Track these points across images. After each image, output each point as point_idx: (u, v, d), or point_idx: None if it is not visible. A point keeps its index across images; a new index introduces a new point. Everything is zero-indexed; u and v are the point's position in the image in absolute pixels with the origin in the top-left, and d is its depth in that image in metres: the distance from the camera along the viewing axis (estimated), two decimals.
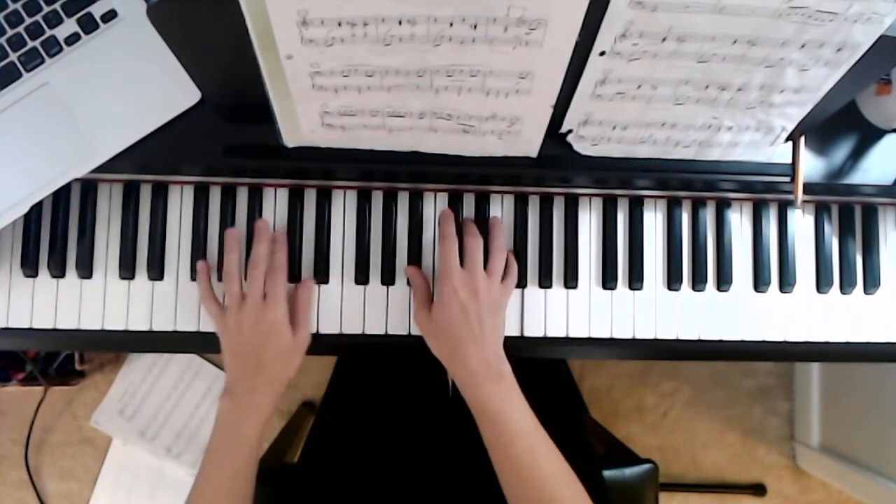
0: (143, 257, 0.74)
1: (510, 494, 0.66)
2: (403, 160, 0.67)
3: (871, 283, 0.79)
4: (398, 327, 0.75)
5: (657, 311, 0.77)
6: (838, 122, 0.70)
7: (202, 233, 0.74)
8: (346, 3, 0.49)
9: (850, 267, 0.79)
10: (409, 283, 0.75)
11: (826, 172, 0.73)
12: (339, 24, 0.51)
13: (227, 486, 0.68)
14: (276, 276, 0.70)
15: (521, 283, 0.76)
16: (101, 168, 0.67)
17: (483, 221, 0.76)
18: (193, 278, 0.74)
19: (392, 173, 0.73)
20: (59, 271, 0.73)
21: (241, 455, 0.68)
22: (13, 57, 0.66)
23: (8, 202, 0.66)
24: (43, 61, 0.67)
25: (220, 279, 0.73)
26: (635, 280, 0.77)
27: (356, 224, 0.76)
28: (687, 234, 0.79)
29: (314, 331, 0.75)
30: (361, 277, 0.75)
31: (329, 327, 0.75)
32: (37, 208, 0.70)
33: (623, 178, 0.74)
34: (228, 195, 0.75)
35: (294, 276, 0.75)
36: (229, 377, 0.70)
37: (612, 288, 0.77)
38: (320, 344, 0.75)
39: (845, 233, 0.79)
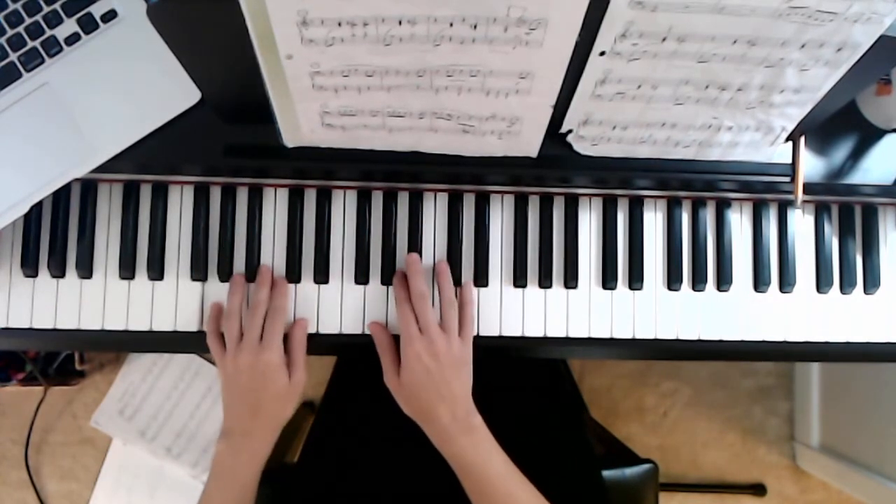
0: (143, 257, 0.74)
1: None
2: (403, 160, 0.67)
3: (871, 283, 0.79)
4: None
5: (657, 311, 0.77)
6: (838, 122, 0.70)
7: (202, 233, 0.74)
8: (346, 3, 0.49)
9: (850, 267, 0.79)
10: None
11: (826, 172, 0.73)
12: (339, 24, 0.51)
13: None
14: (275, 319, 0.71)
15: (522, 284, 0.76)
16: (101, 168, 0.67)
17: (484, 221, 0.76)
18: (194, 278, 0.74)
19: (392, 173, 0.73)
20: (59, 271, 0.73)
21: (236, 498, 0.69)
22: (13, 57, 0.66)
23: (8, 202, 0.66)
24: (43, 61, 0.67)
25: None
26: (635, 280, 0.77)
27: (356, 224, 0.76)
28: (687, 234, 0.79)
29: (314, 331, 0.75)
30: (361, 277, 0.75)
31: (329, 327, 0.75)
32: (37, 208, 0.70)
33: (623, 178, 0.74)
34: (228, 195, 0.75)
35: (294, 276, 0.75)
36: (226, 420, 0.71)
37: (612, 288, 0.77)
38: (320, 344, 0.75)
39: (845, 233, 0.79)
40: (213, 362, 1.52)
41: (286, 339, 0.72)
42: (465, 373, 0.71)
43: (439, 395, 0.68)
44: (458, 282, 0.75)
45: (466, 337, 0.72)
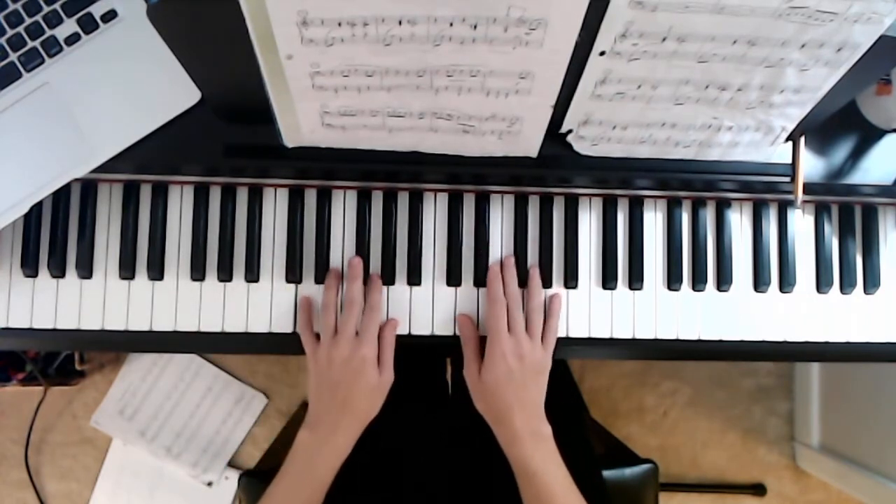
0: (143, 257, 0.74)
1: None
2: (403, 160, 0.67)
3: (871, 283, 0.79)
4: (399, 327, 0.75)
5: (657, 311, 0.77)
6: (838, 122, 0.71)
7: (202, 233, 0.74)
8: (346, 3, 0.49)
9: (850, 267, 0.79)
10: (410, 282, 0.75)
11: (826, 172, 0.73)
12: (339, 24, 0.51)
13: None
14: (372, 315, 0.71)
15: (521, 284, 0.76)
16: (101, 168, 0.67)
17: (484, 222, 0.76)
18: (194, 278, 0.74)
19: (392, 173, 0.73)
20: (59, 271, 0.73)
21: (312, 491, 0.68)
22: (13, 57, 0.66)
23: (8, 202, 0.66)
24: (43, 61, 0.67)
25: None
26: (635, 280, 0.77)
27: (356, 224, 0.76)
28: (687, 234, 0.79)
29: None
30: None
31: None
32: (37, 208, 0.70)
33: (623, 178, 0.74)
34: (228, 195, 0.75)
35: (295, 276, 0.75)
36: (313, 411, 0.71)
37: (612, 288, 0.77)
38: None
39: (845, 233, 0.79)
40: (213, 362, 1.52)
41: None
42: (542, 380, 0.72)
43: (517, 397, 0.69)
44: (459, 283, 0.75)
45: (549, 345, 0.73)
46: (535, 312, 0.73)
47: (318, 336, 0.72)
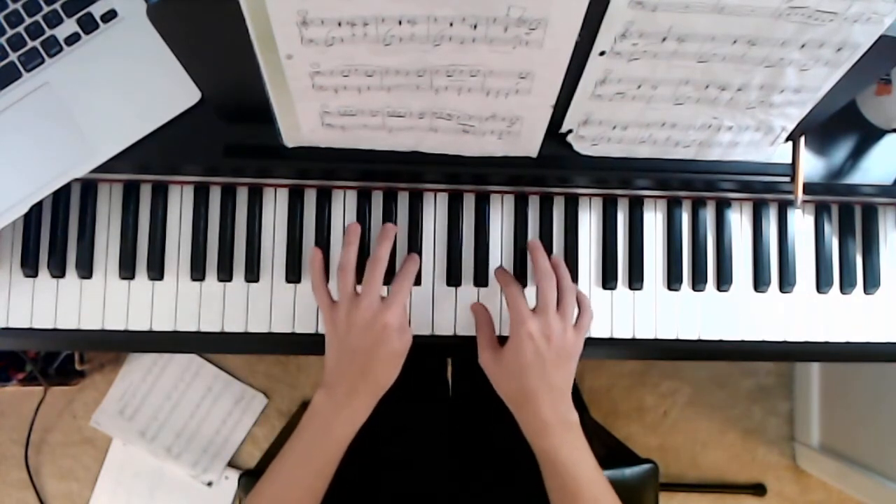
0: (143, 257, 0.74)
1: None
2: (403, 160, 0.67)
3: (871, 283, 0.79)
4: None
5: (657, 311, 0.77)
6: (838, 122, 0.70)
7: (202, 233, 0.74)
8: (346, 2, 0.49)
9: (850, 267, 0.79)
10: None
11: (826, 172, 0.73)
12: (339, 24, 0.51)
13: (306, 482, 0.65)
14: (404, 279, 0.68)
15: (522, 284, 0.76)
16: (101, 168, 0.67)
17: (484, 221, 0.76)
18: (194, 278, 0.74)
19: (392, 173, 0.73)
20: (59, 271, 0.73)
21: (327, 455, 0.66)
22: (13, 57, 0.66)
23: (8, 202, 0.66)
24: (43, 61, 0.67)
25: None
26: (635, 280, 0.77)
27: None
28: (687, 234, 0.79)
29: (313, 331, 0.75)
30: (362, 278, 0.75)
31: None
32: (37, 208, 0.70)
33: (623, 178, 0.74)
34: (228, 195, 0.75)
35: (294, 276, 0.75)
36: (330, 373, 0.67)
37: (612, 288, 0.77)
38: (320, 343, 0.74)
39: (845, 233, 0.79)
40: (213, 362, 1.52)
41: None
42: (571, 366, 0.68)
43: (544, 380, 0.65)
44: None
45: (582, 328, 0.69)
46: (568, 291, 0.68)
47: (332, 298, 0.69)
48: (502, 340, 0.69)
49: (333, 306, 0.68)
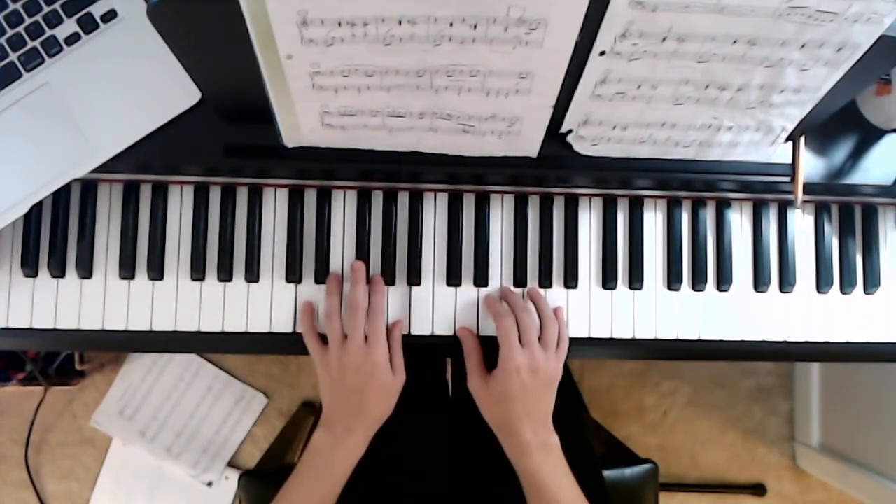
0: (143, 257, 0.74)
1: None
2: (403, 160, 0.67)
3: (871, 283, 0.79)
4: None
5: (657, 311, 0.77)
6: (838, 122, 0.71)
7: (202, 233, 0.74)
8: (346, 3, 0.49)
9: (850, 267, 0.79)
10: (410, 282, 0.75)
11: (826, 172, 0.73)
12: (339, 24, 0.51)
13: None
14: (376, 318, 0.71)
15: (522, 284, 0.76)
16: (101, 168, 0.67)
17: (484, 221, 0.76)
18: (193, 278, 0.74)
19: (392, 173, 0.73)
20: (59, 271, 0.73)
21: (328, 490, 0.69)
22: (13, 57, 0.66)
23: (8, 202, 0.66)
24: (43, 61, 0.67)
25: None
26: (635, 280, 0.77)
27: (356, 224, 0.76)
28: (687, 234, 0.79)
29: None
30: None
31: None
32: (37, 208, 0.70)
33: (623, 178, 0.74)
34: (228, 195, 0.75)
35: (295, 276, 0.75)
36: (328, 413, 0.71)
37: (612, 288, 0.77)
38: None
39: (845, 233, 0.79)
40: (213, 362, 1.52)
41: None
42: (552, 391, 0.72)
43: (527, 410, 0.69)
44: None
45: (561, 355, 0.73)
46: (549, 322, 0.73)
47: (323, 338, 0.72)
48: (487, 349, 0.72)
49: (324, 351, 0.71)
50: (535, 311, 0.74)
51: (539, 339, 0.71)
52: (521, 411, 0.69)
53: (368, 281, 0.73)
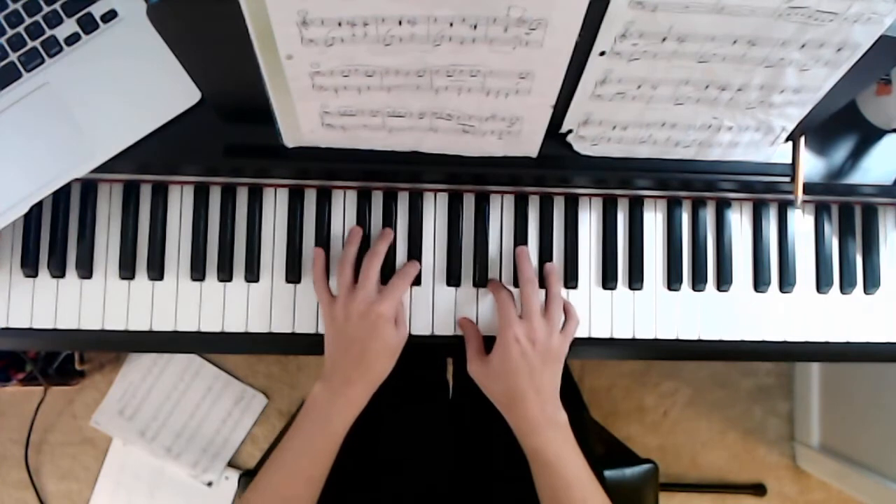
0: (143, 257, 0.74)
1: None
2: (403, 160, 0.67)
3: (871, 283, 0.79)
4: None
5: (657, 311, 0.77)
6: (838, 122, 0.71)
7: (202, 233, 0.74)
8: (346, 3, 0.49)
9: (850, 267, 0.79)
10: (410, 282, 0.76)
11: (826, 172, 0.73)
12: (339, 24, 0.51)
13: (306, 471, 0.67)
14: (403, 276, 0.71)
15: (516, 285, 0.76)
16: (101, 168, 0.67)
17: (483, 221, 0.76)
18: (194, 278, 0.74)
19: (392, 173, 0.73)
20: (59, 271, 0.73)
21: (325, 444, 0.67)
22: (13, 57, 0.66)
23: (8, 202, 0.66)
24: (43, 61, 0.67)
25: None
26: (635, 280, 0.77)
27: (356, 224, 0.76)
28: (687, 234, 0.79)
29: (313, 331, 0.75)
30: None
31: None
32: (37, 208, 0.70)
33: (623, 178, 0.74)
34: (228, 195, 0.75)
35: (294, 276, 0.75)
36: (329, 365, 0.70)
37: (612, 288, 0.77)
38: (320, 343, 0.74)
39: (845, 233, 0.79)
40: (213, 362, 1.52)
41: None
42: (557, 368, 0.70)
43: (531, 383, 0.67)
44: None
45: (568, 334, 0.72)
46: (555, 298, 0.71)
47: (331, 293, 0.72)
48: (490, 347, 0.71)
49: (332, 300, 0.70)
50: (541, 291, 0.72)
51: (544, 315, 0.70)
52: (524, 384, 0.67)
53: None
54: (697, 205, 0.79)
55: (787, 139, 0.67)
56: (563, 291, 0.77)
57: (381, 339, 0.68)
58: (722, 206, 0.79)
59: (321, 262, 0.73)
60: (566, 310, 0.73)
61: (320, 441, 0.67)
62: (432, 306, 0.76)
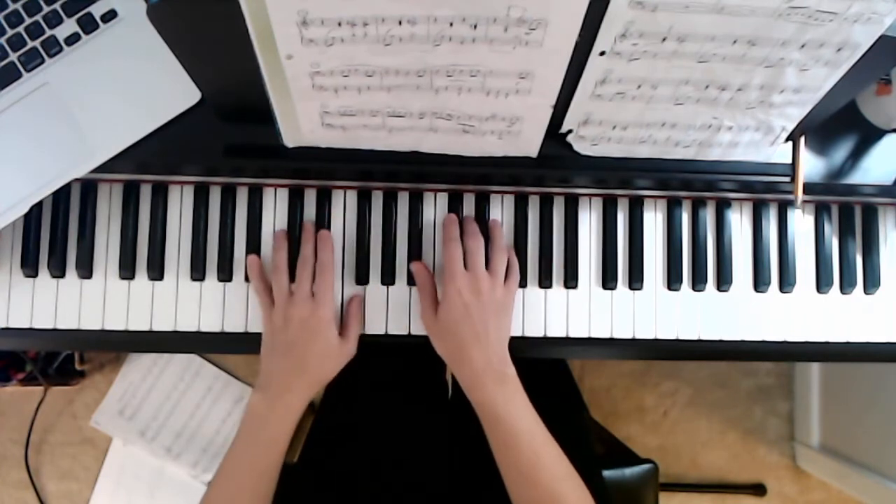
0: (143, 257, 0.74)
1: (515, 495, 0.66)
2: (403, 160, 0.67)
3: (871, 283, 0.79)
4: (398, 327, 0.75)
5: (657, 311, 0.77)
6: (838, 122, 0.70)
7: (202, 233, 0.74)
8: (346, 3, 0.49)
9: (850, 267, 0.79)
10: (410, 281, 0.75)
11: (826, 172, 0.73)
12: (339, 24, 0.51)
13: (250, 485, 0.67)
14: (324, 275, 0.70)
15: (522, 284, 0.76)
16: (101, 168, 0.67)
17: (483, 222, 0.76)
18: (194, 278, 0.74)
19: (392, 173, 0.73)
20: (59, 271, 0.73)
21: (268, 455, 0.67)
22: (13, 57, 0.66)
23: (8, 202, 0.66)
24: (43, 61, 0.67)
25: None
26: (635, 280, 0.77)
27: (356, 224, 0.76)
28: (687, 234, 0.79)
29: None
30: (361, 277, 0.75)
31: None
32: (37, 208, 0.70)
33: (623, 178, 0.74)
34: (228, 195, 0.75)
35: (294, 276, 0.75)
36: (265, 374, 0.69)
37: (612, 288, 0.77)
38: None
39: (845, 233, 0.79)
40: (213, 362, 1.52)
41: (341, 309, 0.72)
42: (504, 320, 0.70)
43: (475, 334, 0.67)
44: None
45: (511, 286, 0.72)
46: (498, 251, 0.72)
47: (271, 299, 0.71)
48: None
49: (271, 307, 0.70)
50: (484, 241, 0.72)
51: (488, 267, 0.70)
52: (468, 335, 0.67)
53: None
54: (697, 205, 0.79)
55: (787, 139, 0.67)
56: (563, 293, 0.77)
57: (323, 342, 0.68)
58: (722, 206, 0.79)
59: (257, 271, 0.72)
60: (509, 265, 0.73)
61: (262, 454, 0.67)
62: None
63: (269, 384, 0.68)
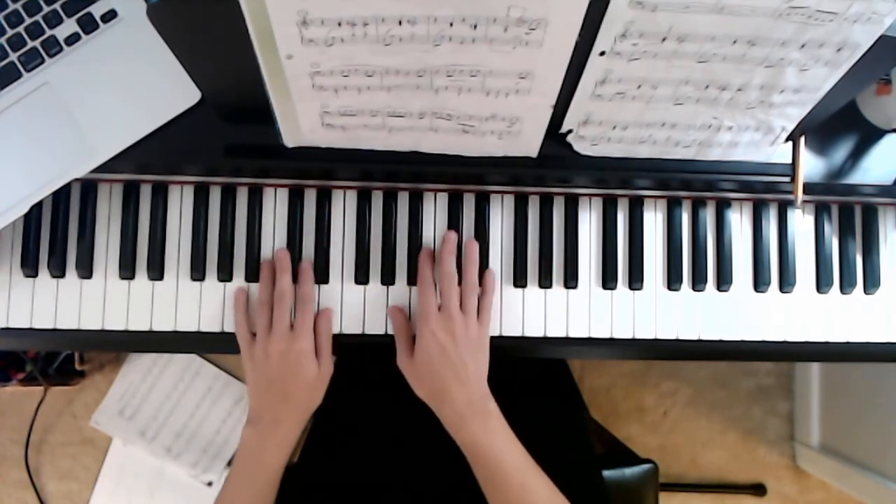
0: (143, 257, 0.74)
1: None
2: (403, 160, 0.67)
3: (871, 283, 0.79)
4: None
5: (657, 311, 0.77)
6: (838, 122, 0.71)
7: (202, 233, 0.74)
8: (346, 3, 0.49)
9: (850, 267, 0.79)
10: (410, 282, 0.76)
11: (826, 172, 0.73)
12: (339, 24, 0.51)
13: None
14: (304, 307, 0.71)
15: (522, 283, 0.76)
16: (101, 168, 0.67)
17: (484, 221, 0.76)
18: (194, 278, 0.74)
19: (392, 173, 0.73)
20: (59, 271, 0.73)
21: (262, 485, 0.69)
22: (13, 57, 0.66)
23: (8, 202, 0.66)
24: (43, 61, 0.67)
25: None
26: (635, 280, 0.77)
27: (356, 224, 0.76)
28: (687, 234, 0.79)
29: None
30: (361, 277, 0.75)
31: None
32: (37, 208, 0.70)
33: (623, 178, 0.74)
34: (228, 195, 0.75)
35: (294, 276, 0.75)
36: (254, 407, 0.71)
37: (612, 288, 0.77)
38: None
39: (845, 233, 0.79)
40: (213, 362, 1.52)
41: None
42: (481, 356, 0.70)
43: (455, 374, 0.68)
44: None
45: (484, 322, 0.72)
46: (469, 288, 0.71)
47: (252, 334, 0.72)
48: None
49: (251, 342, 0.71)
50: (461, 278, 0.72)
51: (460, 305, 0.70)
52: (448, 376, 0.67)
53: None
54: (697, 205, 0.79)
55: (787, 139, 0.67)
56: (563, 293, 0.77)
57: (303, 375, 0.70)
58: (722, 206, 0.79)
59: (243, 306, 0.73)
60: (481, 301, 0.72)
61: (257, 483, 0.69)
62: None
63: (259, 418, 0.70)
